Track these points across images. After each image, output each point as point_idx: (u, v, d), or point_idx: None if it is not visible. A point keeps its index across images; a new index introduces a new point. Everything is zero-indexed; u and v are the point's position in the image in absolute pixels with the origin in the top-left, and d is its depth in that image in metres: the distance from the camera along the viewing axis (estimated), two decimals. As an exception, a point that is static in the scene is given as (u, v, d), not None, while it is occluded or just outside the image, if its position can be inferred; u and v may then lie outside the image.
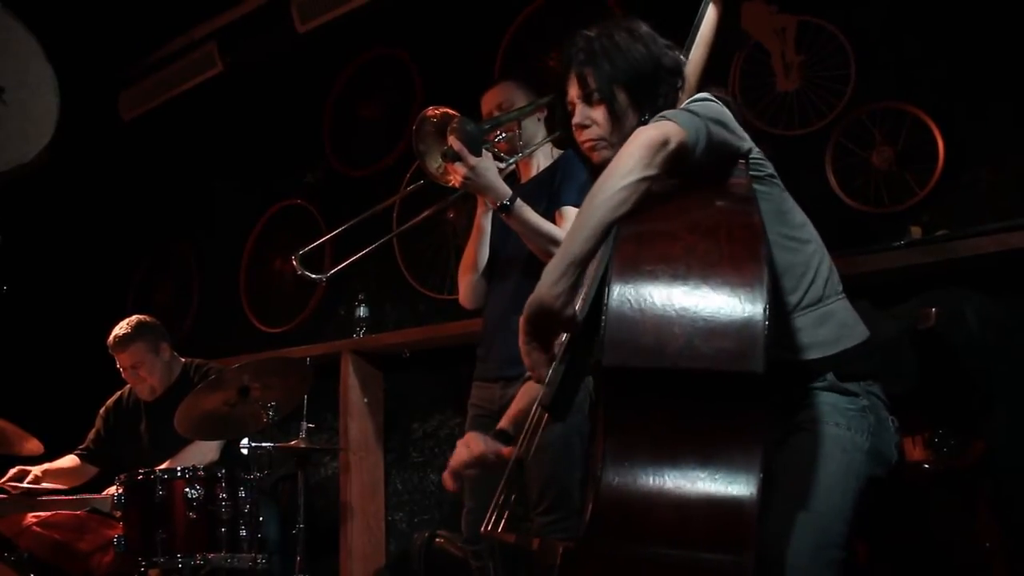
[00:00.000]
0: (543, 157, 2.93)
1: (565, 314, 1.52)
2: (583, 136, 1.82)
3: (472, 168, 2.51)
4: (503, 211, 2.59)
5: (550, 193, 2.79)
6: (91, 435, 4.02)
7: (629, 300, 1.41)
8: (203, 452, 3.64)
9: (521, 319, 1.55)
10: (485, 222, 2.87)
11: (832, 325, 1.68)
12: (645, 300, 1.41)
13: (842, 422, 1.64)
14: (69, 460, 3.96)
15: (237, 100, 5.36)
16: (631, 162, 1.53)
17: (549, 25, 4.17)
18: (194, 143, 5.64)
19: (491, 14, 4.36)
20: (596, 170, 1.78)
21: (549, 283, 1.51)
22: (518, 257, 2.77)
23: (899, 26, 3.27)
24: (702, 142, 1.60)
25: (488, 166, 2.55)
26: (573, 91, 1.81)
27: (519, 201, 2.59)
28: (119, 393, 4.06)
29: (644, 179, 1.53)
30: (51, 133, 3.56)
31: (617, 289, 1.42)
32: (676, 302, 1.40)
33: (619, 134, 1.76)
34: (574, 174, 2.76)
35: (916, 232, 3.02)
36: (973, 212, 3.01)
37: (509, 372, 2.75)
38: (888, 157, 3.23)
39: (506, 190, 2.57)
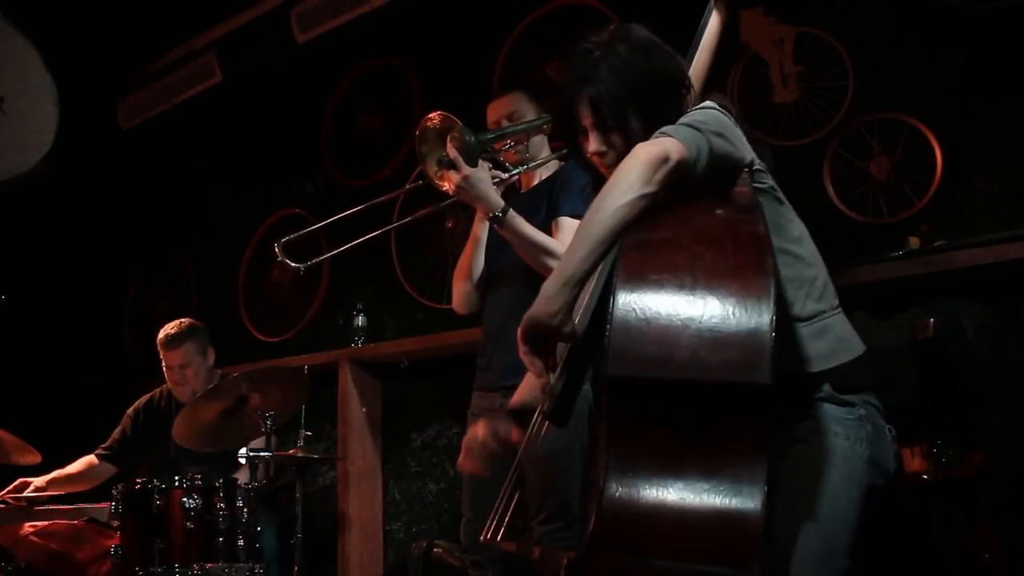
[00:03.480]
0: (545, 169, 2.94)
1: (564, 331, 1.52)
2: (601, 162, 1.80)
3: (465, 178, 2.55)
4: (495, 222, 2.61)
5: (548, 203, 2.80)
6: (115, 435, 4.01)
7: (634, 309, 1.39)
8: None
9: (519, 331, 1.55)
10: (481, 230, 2.89)
11: (829, 339, 1.69)
12: (650, 310, 1.39)
13: (841, 432, 1.65)
14: (82, 463, 3.94)
15: (236, 109, 5.36)
16: (631, 178, 1.53)
17: (548, 35, 4.18)
18: (193, 152, 5.64)
19: (490, 24, 4.36)
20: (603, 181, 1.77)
21: (545, 300, 1.51)
22: (516, 267, 2.78)
23: (897, 37, 3.28)
24: (703, 157, 1.59)
25: (481, 177, 2.57)
26: (586, 118, 1.77)
27: (512, 212, 2.60)
28: (149, 395, 4.05)
29: (643, 196, 1.53)
30: (50, 142, 3.57)
31: (622, 298, 1.40)
32: (682, 312, 1.38)
33: None
34: (572, 184, 2.77)
35: (914, 243, 3.02)
36: (971, 223, 3.01)
37: (509, 382, 2.74)
38: (886, 168, 3.24)
39: (498, 201, 2.59)
